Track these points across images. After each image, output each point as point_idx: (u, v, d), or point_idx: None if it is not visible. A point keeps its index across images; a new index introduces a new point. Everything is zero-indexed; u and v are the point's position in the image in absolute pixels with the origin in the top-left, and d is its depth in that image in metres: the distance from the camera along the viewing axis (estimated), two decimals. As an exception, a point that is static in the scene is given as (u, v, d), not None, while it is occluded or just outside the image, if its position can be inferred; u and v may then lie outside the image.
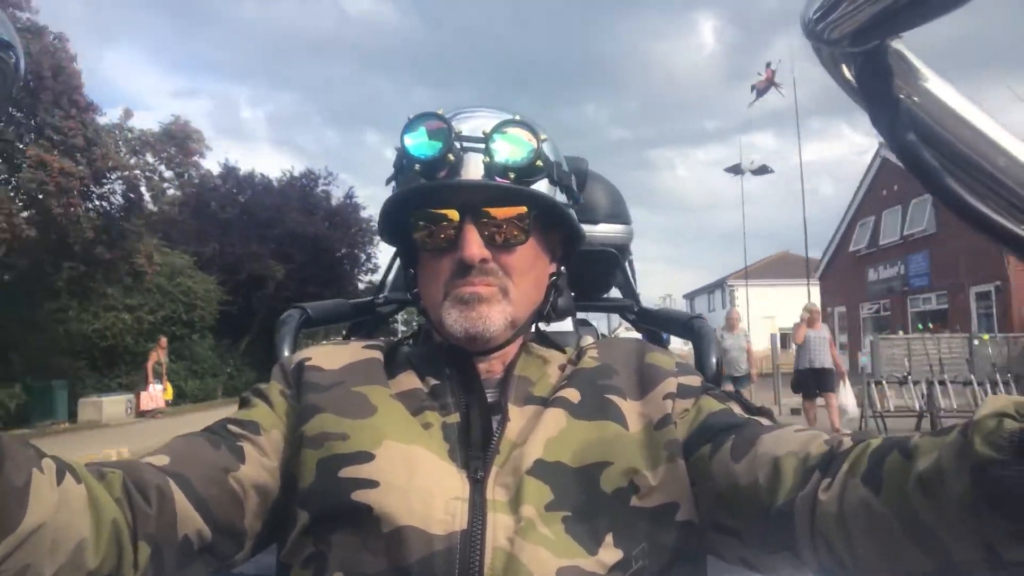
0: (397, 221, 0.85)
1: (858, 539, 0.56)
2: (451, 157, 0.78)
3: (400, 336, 0.96)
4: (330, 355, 0.84)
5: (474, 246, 0.78)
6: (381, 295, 1.58)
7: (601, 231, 1.47)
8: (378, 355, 0.85)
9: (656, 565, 0.70)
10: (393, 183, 0.87)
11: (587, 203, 1.02)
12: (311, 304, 1.37)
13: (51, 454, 0.59)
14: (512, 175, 0.79)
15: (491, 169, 0.79)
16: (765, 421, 0.74)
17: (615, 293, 1.73)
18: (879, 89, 0.46)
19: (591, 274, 1.46)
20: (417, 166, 0.79)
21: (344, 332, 1.64)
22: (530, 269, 0.83)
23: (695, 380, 0.82)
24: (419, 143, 0.79)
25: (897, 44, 0.46)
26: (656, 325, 1.55)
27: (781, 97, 17.48)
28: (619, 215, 1.54)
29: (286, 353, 1.22)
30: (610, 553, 0.68)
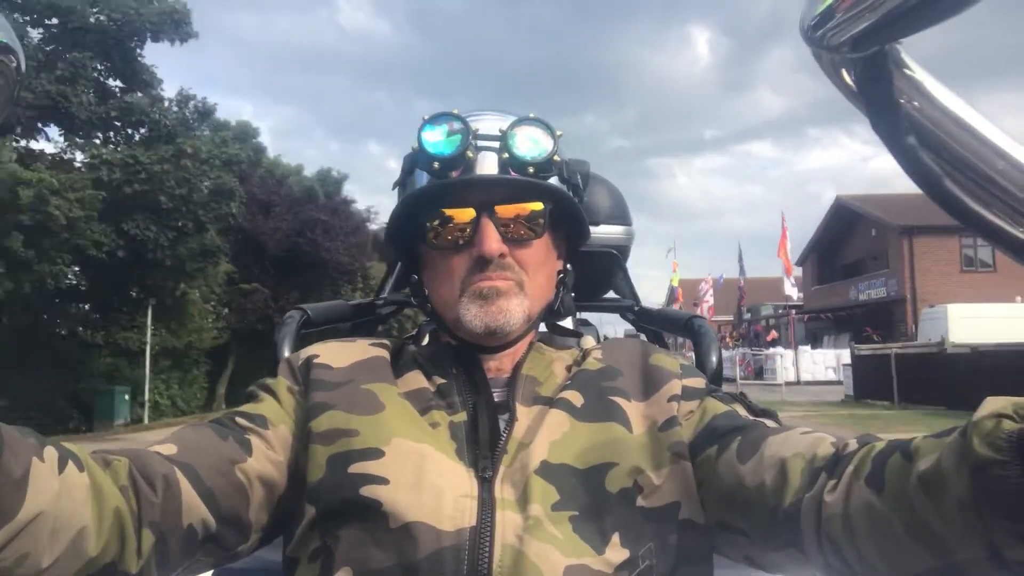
0: (404, 225, 0.86)
1: (862, 539, 0.57)
2: (469, 154, 0.80)
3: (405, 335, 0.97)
4: (337, 352, 0.85)
5: (493, 241, 0.80)
6: (381, 296, 1.60)
7: (602, 232, 1.49)
8: (384, 353, 0.86)
9: (663, 565, 0.71)
10: (399, 188, 0.88)
11: (589, 204, 1.05)
12: (311, 305, 1.39)
13: (54, 442, 0.59)
14: (531, 170, 0.81)
15: (509, 166, 0.81)
16: (771, 423, 0.75)
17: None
18: (880, 94, 0.47)
19: (592, 275, 1.47)
20: (436, 164, 0.80)
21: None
22: (544, 264, 0.86)
23: (699, 382, 0.83)
24: (438, 141, 0.81)
25: (897, 49, 0.47)
26: (656, 325, 1.58)
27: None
28: (620, 216, 1.56)
29: (286, 353, 1.24)
30: (617, 552, 0.69)
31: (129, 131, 13.94)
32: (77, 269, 12.25)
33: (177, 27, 14.02)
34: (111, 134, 13.94)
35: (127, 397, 14.14)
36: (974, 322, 18.12)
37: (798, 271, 32.84)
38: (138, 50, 13.89)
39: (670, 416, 0.77)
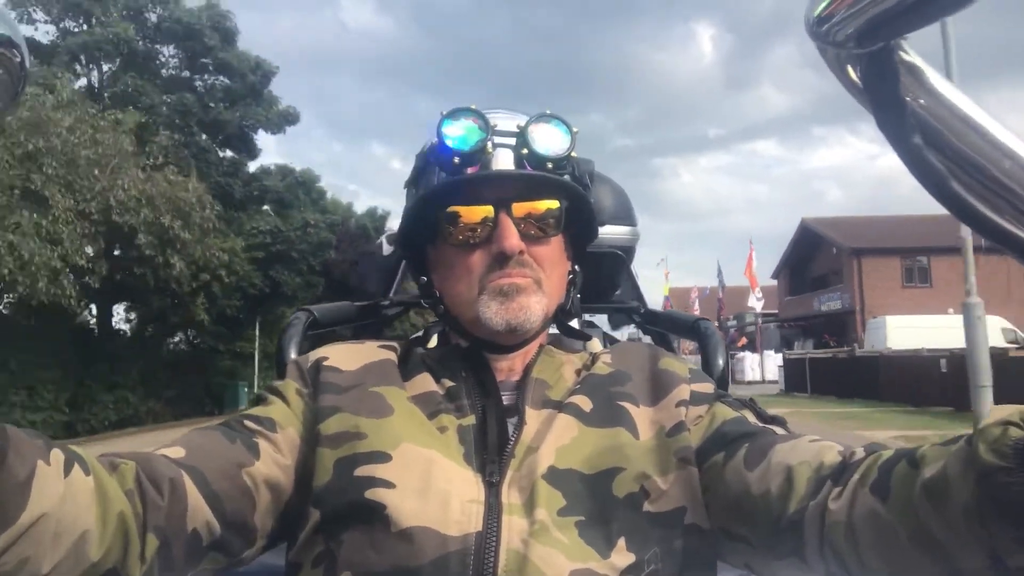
0: (415, 225, 0.80)
1: (866, 547, 0.52)
2: (489, 149, 0.74)
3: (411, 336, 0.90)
4: (347, 355, 0.77)
5: (513, 237, 0.73)
6: (387, 298, 1.50)
7: (607, 233, 1.41)
8: (393, 356, 0.79)
9: (668, 569, 0.64)
10: (410, 187, 0.84)
11: (594, 204, 0.98)
12: (317, 306, 1.32)
13: (61, 444, 0.53)
14: (549, 166, 0.75)
15: (526, 161, 0.75)
16: (779, 430, 0.69)
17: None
18: (885, 91, 0.43)
19: (597, 276, 1.43)
20: (456, 159, 0.74)
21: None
22: (558, 262, 0.79)
23: (708, 387, 0.76)
24: (458, 135, 0.74)
25: (903, 45, 0.43)
26: (662, 327, 1.53)
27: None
28: (625, 217, 1.51)
29: (293, 355, 1.17)
30: (623, 557, 0.63)
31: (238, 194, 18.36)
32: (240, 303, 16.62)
33: (288, 124, 18.55)
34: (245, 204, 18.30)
35: (245, 389, 17.08)
36: (909, 331, 19.91)
37: (771, 283, 34.10)
38: (251, 134, 18.48)
39: (678, 421, 0.71)
